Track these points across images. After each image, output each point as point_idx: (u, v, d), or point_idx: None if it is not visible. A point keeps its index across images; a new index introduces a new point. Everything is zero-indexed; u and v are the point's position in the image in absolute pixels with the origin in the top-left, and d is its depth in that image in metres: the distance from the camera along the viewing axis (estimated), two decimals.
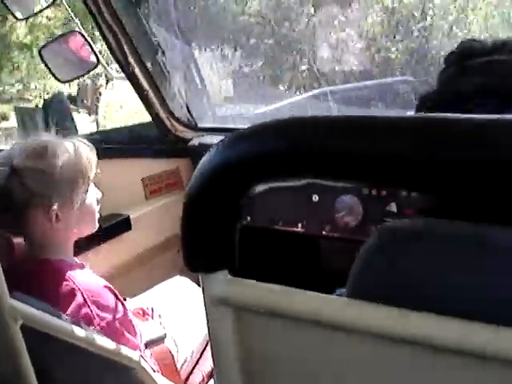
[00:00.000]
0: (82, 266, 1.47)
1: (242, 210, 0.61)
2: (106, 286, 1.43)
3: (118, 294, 1.45)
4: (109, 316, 1.37)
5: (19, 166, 1.35)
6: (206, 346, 1.78)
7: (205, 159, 0.60)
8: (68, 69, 2.47)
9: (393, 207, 1.99)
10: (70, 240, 1.48)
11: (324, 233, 2.12)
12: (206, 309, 0.68)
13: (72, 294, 1.34)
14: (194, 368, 1.76)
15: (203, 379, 1.73)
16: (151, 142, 2.55)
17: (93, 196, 1.49)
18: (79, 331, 1.19)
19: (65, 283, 1.36)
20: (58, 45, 2.51)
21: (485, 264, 0.58)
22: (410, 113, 0.72)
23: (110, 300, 1.40)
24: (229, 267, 0.65)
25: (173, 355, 1.61)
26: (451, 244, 0.61)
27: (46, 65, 2.45)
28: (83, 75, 2.87)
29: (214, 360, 0.70)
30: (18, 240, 1.43)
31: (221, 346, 0.69)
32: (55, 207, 1.38)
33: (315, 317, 0.62)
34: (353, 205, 2.07)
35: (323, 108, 3.02)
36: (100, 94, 9.80)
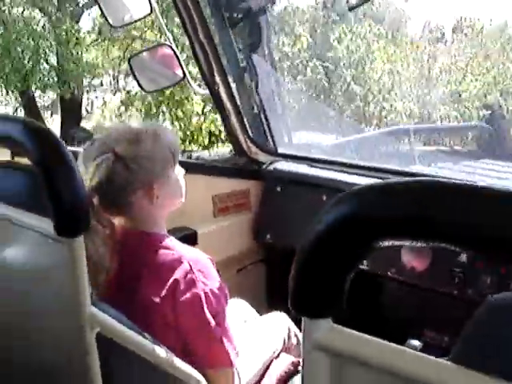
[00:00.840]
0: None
1: (356, 265, 0.62)
2: (209, 258, 1.50)
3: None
4: (212, 284, 1.44)
5: (123, 153, 1.45)
6: (265, 371, 1.77)
7: (330, 208, 0.61)
8: (154, 80, 2.54)
9: (463, 258, 1.96)
10: (164, 214, 1.58)
11: (389, 274, 2.10)
12: (304, 351, 0.69)
13: (179, 261, 1.43)
14: None
15: None
16: (225, 160, 2.59)
17: (179, 171, 1.59)
18: (151, 345, 1.22)
19: (171, 252, 1.46)
20: (147, 55, 2.59)
21: None
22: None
23: (212, 271, 1.47)
24: (333, 315, 0.66)
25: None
26: None
27: (133, 73, 2.53)
28: (168, 87, 2.95)
29: None
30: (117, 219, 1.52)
31: None
32: (155, 187, 1.49)
33: (415, 377, 0.62)
34: (421, 251, 2.04)
35: (395, 144, 3.01)
36: None
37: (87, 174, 1.44)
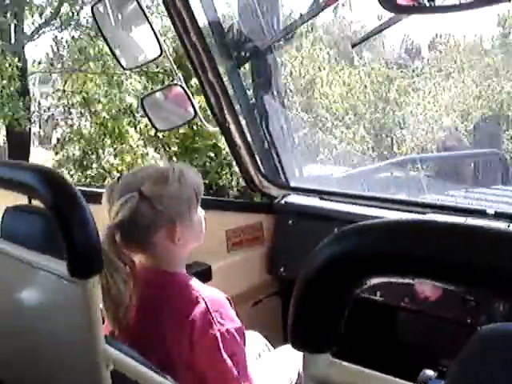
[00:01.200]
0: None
1: (353, 300, 0.64)
2: (226, 298, 1.52)
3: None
4: (229, 324, 1.45)
5: (148, 193, 1.47)
6: None
7: (324, 246, 0.64)
8: (166, 119, 2.60)
9: None
10: (186, 254, 1.60)
11: (403, 304, 2.10)
12: None
13: (196, 301, 1.45)
14: None
15: None
16: (237, 195, 2.63)
17: (201, 212, 1.60)
18: (165, 382, 1.24)
19: (190, 291, 1.48)
20: (159, 95, 2.66)
21: None
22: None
23: (230, 311, 1.49)
24: (331, 350, 0.69)
25: None
26: None
27: (146, 113, 2.59)
28: (180, 126, 3.01)
29: None
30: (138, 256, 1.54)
31: None
32: (178, 228, 1.50)
33: None
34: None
35: (407, 175, 3.03)
36: None
37: (111, 212, 1.46)
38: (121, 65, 2.49)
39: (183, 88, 2.51)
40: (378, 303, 2.14)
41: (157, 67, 7.07)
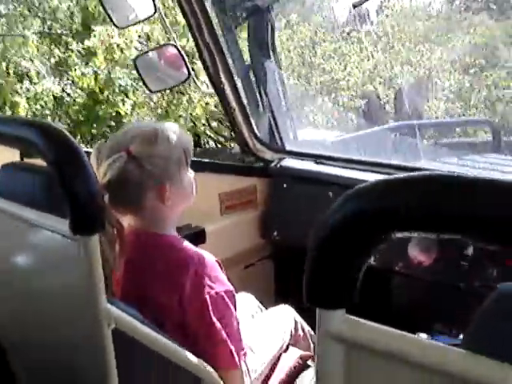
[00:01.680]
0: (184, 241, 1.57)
1: (370, 256, 0.64)
2: (217, 261, 1.51)
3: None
4: (219, 287, 1.45)
5: (137, 152, 1.44)
6: (274, 365, 1.79)
7: (342, 202, 0.64)
8: (160, 79, 2.56)
9: (470, 251, 1.98)
10: (175, 215, 1.58)
11: (397, 269, 2.12)
12: (318, 342, 0.71)
13: (186, 263, 1.44)
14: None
15: None
16: (231, 158, 2.62)
17: (190, 173, 1.58)
18: (166, 341, 1.24)
19: (180, 254, 1.48)
20: (152, 56, 2.61)
21: None
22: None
23: (220, 274, 1.48)
24: (347, 306, 0.68)
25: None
26: None
27: (139, 74, 2.55)
28: (174, 86, 2.97)
29: None
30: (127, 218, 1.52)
31: (327, 377, 0.72)
32: (167, 188, 1.48)
33: (429, 364, 0.64)
34: (428, 244, 2.06)
35: (402, 141, 3.02)
36: None
37: (99, 172, 1.43)
38: (113, 23, 2.44)
39: (177, 48, 2.47)
40: (372, 268, 2.15)
41: (62, 27, 6.25)
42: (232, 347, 1.44)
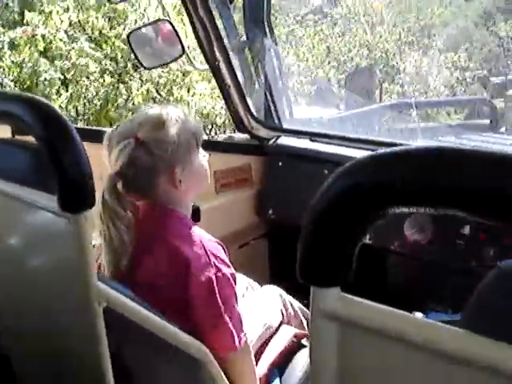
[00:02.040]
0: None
1: (366, 233, 0.62)
2: (220, 245, 1.51)
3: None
4: (225, 269, 1.45)
5: (145, 138, 1.45)
6: (268, 344, 1.78)
7: (337, 177, 0.61)
8: (153, 56, 2.53)
9: (466, 230, 1.97)
10: (189, 199, 1.58)
11: (392, 248, 2.11)
12: (312, 320, 0.69)
13: (194, 241, 1.45)
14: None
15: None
16: (227, 136, 2.59)
17: (203, 156, 1.59)
18: (158, 320, 1.23)
19: (188, 231, 1.48)
20: (146, 31, 2.57)
21: None
22: None
23: (224, 256, 1.49)
24: (341, 284, 0.66)
25: None
26: None
27: (133, 50, 2.52)
28: (168, 63, 2.93)
29: (312, 366, 0.72)
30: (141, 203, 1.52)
31: (321, 355, 0.71)
32: (178, 172, 1.47)
33: (425, 343, 0.62)
34: (424, 223, 2.05)
35: (399, 118, 3.01)
36: None
37: (110, 160, 1.45)
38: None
39: (171, 24, 2.43)
40: (368, 246, 2.14)
41: None
42: (233, 329, 1.44)
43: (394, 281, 2.28)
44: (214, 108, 4.93)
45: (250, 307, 1.85)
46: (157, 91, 5.09)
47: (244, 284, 2.03)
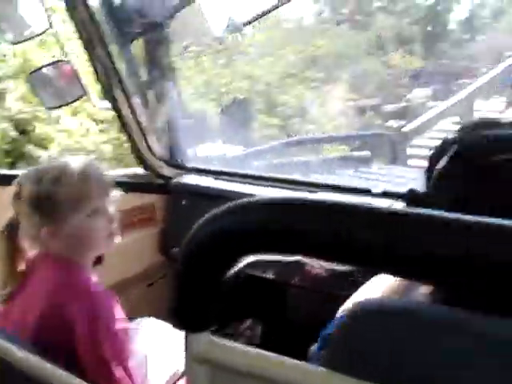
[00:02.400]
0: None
1: (224, 278, 0.64)
2: (110, 295, 1.49)
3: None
4: (114, 321, 1.42)
5: (25, 192, 1.46)
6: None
7: (198, 227, 0.64)
8: (55, 96, 2.50)
9: None
10: (82, 260, 1.55)
11: (293, 282, 2.15)
12: (185, 363, 0.71)
13: (79, 294, 1.43)
14: None
15: None
16: (128, 175, 2.58)
17: (99, 220, 1.55)
18: (41, 364, 1.20)
19: (74, 282, 1.47)
20: (47, 71, 2.54)
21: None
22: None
23: (116, 308, 1.47)
24: (211, 328, 0.69)
25: None
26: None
27: (34, 90, 2.49)
28: (71, 103, 2.90)
29: None
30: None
31: None
32: (59, 231, 1.46)
33: (290, 383, 0.65)
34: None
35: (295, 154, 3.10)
36: None
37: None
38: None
39: (71, 65, 2.42)
40: (269, 281, 2.18)
41: None
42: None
43: (295, 314, 2.32)
44: (79, 143, 4.77)
45: (157, 352, 1.84)
46: (16, 128, 4.87)
47: (152, 327, 2.00)
